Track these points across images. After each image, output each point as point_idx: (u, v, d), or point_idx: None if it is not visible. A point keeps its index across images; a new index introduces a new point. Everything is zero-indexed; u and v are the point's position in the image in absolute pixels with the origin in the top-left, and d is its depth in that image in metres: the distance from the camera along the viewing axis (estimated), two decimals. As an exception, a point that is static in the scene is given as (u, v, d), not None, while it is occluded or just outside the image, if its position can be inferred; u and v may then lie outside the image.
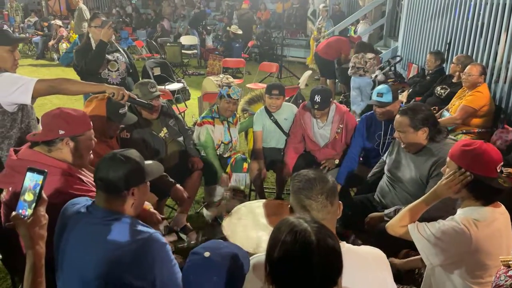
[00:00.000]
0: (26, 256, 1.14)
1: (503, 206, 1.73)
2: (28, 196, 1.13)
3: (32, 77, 2.24)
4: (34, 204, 1.13)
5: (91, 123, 1.95)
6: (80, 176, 1.86)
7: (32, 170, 1.14)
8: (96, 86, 2.39)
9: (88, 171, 1.96)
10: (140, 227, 1.48)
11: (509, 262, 1.30)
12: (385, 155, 2.78)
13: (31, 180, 1.13)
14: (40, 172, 1.14)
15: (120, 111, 2.43)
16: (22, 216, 1.12)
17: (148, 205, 2.07)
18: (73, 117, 1.86)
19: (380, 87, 2.98)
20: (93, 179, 1.87)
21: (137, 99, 2.51)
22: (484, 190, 1.67)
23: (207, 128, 3.26)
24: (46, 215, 1.16)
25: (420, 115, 2.31)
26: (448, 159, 1.79)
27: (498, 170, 1.68)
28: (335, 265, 1.07)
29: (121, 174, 1.48)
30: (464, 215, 1.68)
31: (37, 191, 1.13)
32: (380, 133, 3.02)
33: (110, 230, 1.44)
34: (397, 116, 2.40)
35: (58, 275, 1.53)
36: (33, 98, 2.18)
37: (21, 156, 1.82)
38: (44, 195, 1.16)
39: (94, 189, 1.84)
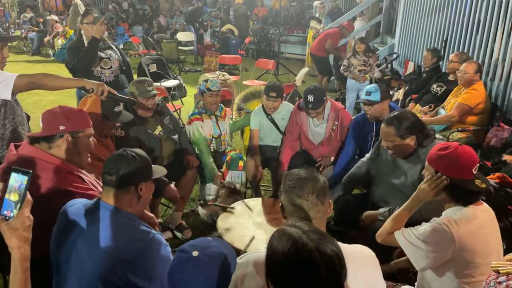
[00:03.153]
0: (11, 258, 1.12)
1: (485, 204, 1.76)
2: (14, 197, 1.11)
3: (27, 73, 2.24)
4: (19, 205, 1.11)
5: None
6: (80, 175, 1.87)
7: (16, 170, 1.13)
8: (76, 82, 2.39)
9: (87, 172, 1.96)
10: (143, 227, 1.53)
11: (499, 268, 1.30)
12: (367, 155, 2.79)
13: (16, 180, 1.12)
14: (25, 172, 1.12)
15: (115, 109, 2.42)
16: (7, 218, 1.11)
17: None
18: (73, 113, 1.89)
19: (369, 86, 2.99)
20: (93, 179, 1.91)
21: (118, 94, 2.50)
22: (461, 192, 1.71)
23: (196, 125, 3.25)
24: (31, 216, 1.15)
25: (405, 124, 2.29)
26: (426, 163, 1.82)
27: (474, 172, 1.71)
28: (341, 271, 1.08)
29: (132, 169, 1.53)
30: (446, 216, 1.71)
31: (22, 191, 1.12)
32: (372, 134, 3.02)
33: (114, 227, 1.48)
34: (383, 126, 2.37)
35: (55, 275, 1.53)
36: (13, 94, 2.17)
37: (22, 152, 1.82)
38: (29, 196, 1.14)
39: (93, 188, 1.86)
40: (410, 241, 1.71)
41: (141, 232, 1.50)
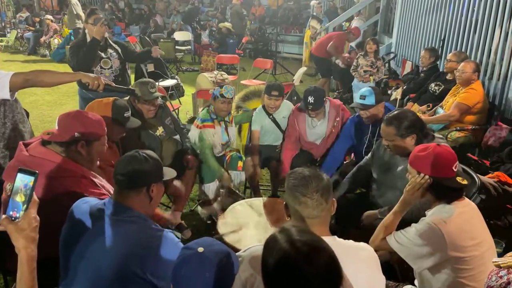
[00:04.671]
0: (18, 258, 1.12)
1: (466, 199, 1.82)
2: (20, 198, 1.10)
3: (23, 71, 2.23)
4: (25, 206, 1.10)
5: None
6: (93, 179, 1.86)
7: (23, 171, 1.12)
8: (72, 76, 2.38)
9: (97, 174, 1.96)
10: (155, 226, 1.56)
11: (500, 263, 1.31)
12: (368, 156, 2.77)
13: (22, 181, 1.11)
14: (31, 173, 1.11)
15: (125, 114, 2.42)
16: (13, 218, 1.10)
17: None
18: (90, 121, 1.87)
19: (363, 90, 2.96)
20: (104, 183, 1.91)
21: (115, 85, 2.48)
22: (444, 190, 1.77)
23: (210, 132, 3.18)
24: (38, 217, 1.14)
25: (405, 123, 2.29)
26: (408, 166, 1.86)
27: (455, 170, 1.77)
28: (335, 280, 1.07)
29: (144, 170, 1.55)
30: (433, 215, 1.76)
31: (28, 192, 1.11)
32: (367, 136, 3.02)
33: (127, 226, 1.49)
34: (383, 126, 2.37)
35: (64, 275, 1.53)
36: (12, 92, 2.16)
37: (33, 153, 1.81)
38: (35, 197, 1.14)
39: (105, 192, 1.86)
40: (403, 244, 1.75)
41: (154, 230, 1.52)
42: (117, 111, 2.37)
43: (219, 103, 3.14)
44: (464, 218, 1.72)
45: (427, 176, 1.75)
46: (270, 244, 1.13)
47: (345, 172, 2.92)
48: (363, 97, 2.91)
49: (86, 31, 3.47)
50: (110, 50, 3.57)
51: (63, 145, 1.82)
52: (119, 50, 3.66)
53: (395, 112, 2.40)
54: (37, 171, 1.12)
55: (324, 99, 3.17)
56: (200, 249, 1.21)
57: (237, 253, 1.43)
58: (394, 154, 2.48)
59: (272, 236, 1.15)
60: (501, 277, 1.30)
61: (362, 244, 1.48)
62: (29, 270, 1.12)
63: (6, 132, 2.30)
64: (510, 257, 1.34)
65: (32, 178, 1.11)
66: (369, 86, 3.07)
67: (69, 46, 3.64)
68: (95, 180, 1.87)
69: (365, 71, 5.51)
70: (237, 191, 3.28)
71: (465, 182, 1.76)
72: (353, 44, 8.01)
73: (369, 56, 5.51)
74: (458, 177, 1.76)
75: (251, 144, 3.44)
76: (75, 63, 3.38)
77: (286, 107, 3.44)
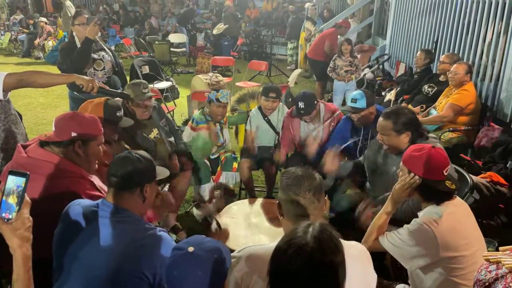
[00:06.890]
0: (13, 259, 1.13)
1: (457, 198, 1.84)
2: (12, 199, 1.11)
3: (17, 71, 2.24)
4: (18, 207, 1.12)
5: None
6: (91, 179, 1.87)
7: (13, 173, 1.13)
8: (66, 77, 2.39)
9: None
10: (149, 226, 1.57)
11: (489, 257, 1.33)
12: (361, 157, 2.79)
13: (14, 183, 1.12)
14: (22, 174, 1.13)
15: (117, 114, 2.42)
16: (6, 220, 1.11)
17: None
18: (86, 121, 1.90)
19: (355, 93, 2.97)
20: (101, 184, 1.92)
21: (109, 89, 2.49)
22: (432, 193, 1.78)
23: (205, 134, 3.20)
24: (30, 217, 1.15)
25: (402, 119, 2.31)
26: (401, 163, 1.88)
27: (445, 173, 1.78)
28: (337, 275, 1.08)
29: (137, 171, 1.56)
30: (424, 215, 1.77)
31: (20, 193, 1.12)
32: (360, 138, 3.04)
33: (121, 226, 1.51)
34: (380, 119, 2.40)
35: (57, 276, 1.53)
36: (5, 92, 2.17)
37: (32, 154, 1.81)
38: (27, 198, 1.15)
39: (103, 193, 1.87)
40: (395, 245, 1.77)
41: (147, 229, 1.53)
42: (109, 110, 2.38)
43: (215, 107, 3.16)
44: (455, 218, 1.74)
45: (416, 177, 1.77)
46: (288, 241, 1.11)
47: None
48: (354, 100, 2.91)
49: (74, 33, 3.46)
50: (102, 52, 3.56)
51: (61, 145, 1.83)
52: (111, 52, 3.66)
53: (394, 108, 2.45)
54: (28, 172, 1.13)
55: (316, 102, 3.17)
56: (191, 249, 1.22)
57: (232, 254, 1.44)
58: (387, 155, 2.50)
59: (292, 232, 1.13)
60: (490, 271, 1.31)
61: (353, 242, 1.50)
62: (25, 270, 1.13)
63: None
64: (500, 252, 1.35)
65: (23, 180, 1.12)
66: (361, 89, 3.08)
67: (59, 49, 3.63)
68: (94, 181, 1.88)
69: (346, 71, 5.55)
70: (232, 190, 3.29)
71: (453, 186, 1.78)
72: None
73: (345, 56, 5.55)
74: (447, 181, 1.78)
75: (247, 145, 3.45)
76: (69, 64, 3.37)
77: (281, 109, 3.46)
